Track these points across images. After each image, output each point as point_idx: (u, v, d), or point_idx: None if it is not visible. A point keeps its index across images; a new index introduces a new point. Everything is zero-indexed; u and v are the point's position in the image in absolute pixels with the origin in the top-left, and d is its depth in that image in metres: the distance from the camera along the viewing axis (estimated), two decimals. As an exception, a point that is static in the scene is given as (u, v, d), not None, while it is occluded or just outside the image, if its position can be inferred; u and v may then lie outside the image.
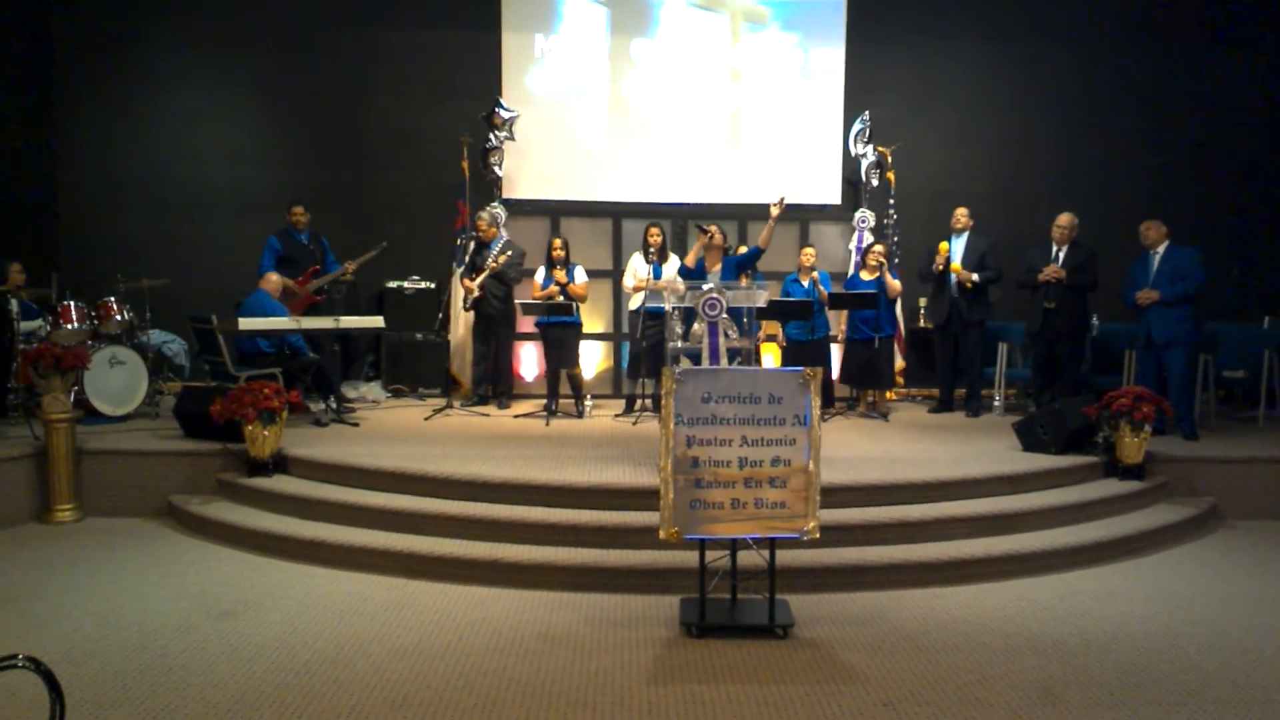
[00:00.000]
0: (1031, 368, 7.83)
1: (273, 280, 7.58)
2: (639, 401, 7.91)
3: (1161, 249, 6.94)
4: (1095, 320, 8.44)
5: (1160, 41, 9.60)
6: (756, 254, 6.76)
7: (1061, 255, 7.44)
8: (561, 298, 7.72)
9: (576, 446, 6.47)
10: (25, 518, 5.92)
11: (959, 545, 5.06)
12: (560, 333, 7.82)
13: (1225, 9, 9.61)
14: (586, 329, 8.40)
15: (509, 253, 8.04)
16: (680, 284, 5.86)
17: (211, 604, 4.45)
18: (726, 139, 9.43)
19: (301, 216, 8.15)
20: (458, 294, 8.51)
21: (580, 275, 7.96)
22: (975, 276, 7.80)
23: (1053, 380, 7.60)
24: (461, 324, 8.66)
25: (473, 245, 8.22)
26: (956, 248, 7.96)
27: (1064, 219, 7.47)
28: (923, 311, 9.38)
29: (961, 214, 8.02)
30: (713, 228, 6.73)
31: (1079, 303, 7.47)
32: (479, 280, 7.93)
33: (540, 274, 7.97)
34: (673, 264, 7.69)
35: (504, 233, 8.54)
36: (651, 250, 7.70)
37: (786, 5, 9.36)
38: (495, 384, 8.29)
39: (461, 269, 8.32)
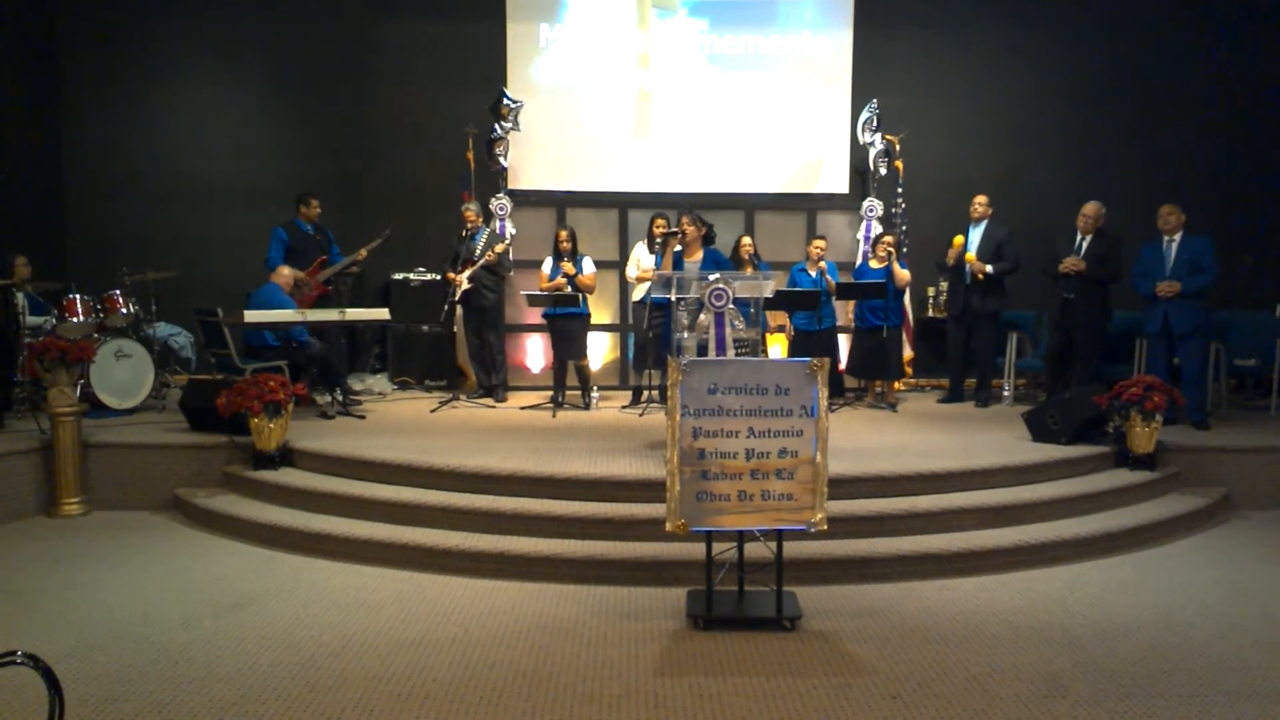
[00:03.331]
0: (1046, 357, 7.76)
1: (284, 274, 7.54)
2: (645, 393, 7.88)
3: (1178, 237, 6.84)
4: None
5: (1174, 27, 9.50)
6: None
7: (1085, 245, 7.33)
8: (569, 289, 7.67)
9: (583, 438, 6.45)
10: (32, 511, 5.93)
11: (968, 536, 5.02)
12: (568, 324, 7.78)
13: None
14: (593, 320, 8.37)
15: (506, 242, 7.96)
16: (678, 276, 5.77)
17: (217, 597, 4.45)
18: (734, 128, 9.37)
19: (316, 210, 8.10)
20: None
21: (588, 266, 7.90)
22: (989, 268, 7.72)
23: (1065, 371, 7.53)
24: (467, 316, 8.64)
25: (465, 237, 8.14)
26: (974, 237, 7.89)
27: (1089, 208, 7.35)
28: (931, 301, 9.33)
29: (980, 202, 7.93)
30: (684, 222, 6.69)
31: (1100, 294, 7.34)
32: (467, 273, 7.84)
33: (547, 265, 7.92)
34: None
35: (508, 224, 8.49)
36: (657, 241, 7.64)
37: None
38: (491, 375, 8.22)
39: (449, 263, 8.20)
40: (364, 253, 8.16)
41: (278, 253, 7.89)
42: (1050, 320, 7.56)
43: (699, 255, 6.76)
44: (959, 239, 7.87)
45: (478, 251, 7.86)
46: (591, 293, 7.95)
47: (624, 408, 7.90)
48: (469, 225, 8.05)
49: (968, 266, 7.80)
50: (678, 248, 6.69)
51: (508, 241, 8.00)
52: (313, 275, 7.94)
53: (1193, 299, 6.74)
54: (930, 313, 9.30)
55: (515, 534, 4.98)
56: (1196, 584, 4.70)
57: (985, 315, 7.89)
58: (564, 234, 7.84)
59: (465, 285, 7.81)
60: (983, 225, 7.90)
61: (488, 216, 8.53)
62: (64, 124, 9.29)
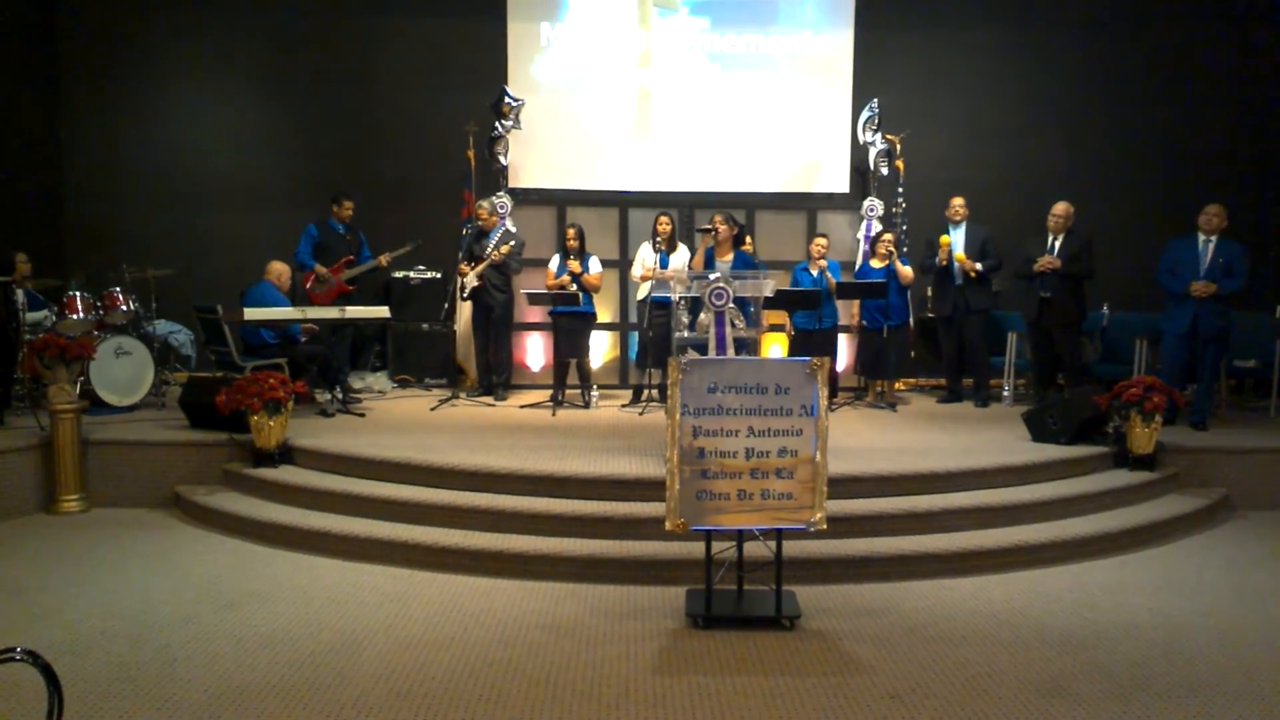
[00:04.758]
0: (1032, 358, 7.80)
1: (276, 269, 7.54)
2: (646, 392, 7.87)
3: (1215, 238, 6.78)
4: (1106, 310, 8.39)
5: (1171, 29, 9.48)
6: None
7: (1057, 245, 7.40)
8: (574, 287, 7.67)
9: (582, 437, 6.45)
10: (31, 508, 5.92)
11: (967, 536, 5.02)
12: (573, 323, 7.78)
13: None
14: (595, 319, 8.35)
15: (511, 243, 7.98)
16: (686, 274, 5.84)
17: (216, 594, 4.45)
18: (734, 127, 9.36)
19: (348, 210, 8.14)
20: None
21: (595, 265, 7.90)
22: (979, 265, 7.77)
23: (1054, 370, 7.58)
24: (467, 314, 8.63)
25: (472, 234, 8.17)
26: (956, 238, 7.93)
27: (1059, 208, 7.45)
28: (929, 301, 9.32)
29: (958, 204, 7.98)
30: (717, 220, 6.71)
31: (1075, 292, 7.43)
32: (477, 270, 7.86)
33: (554, 263, 7.92)
34: (681, 254, 7.65)
35: (508, 222, 8.50)
36: (659, 239, 7.65)
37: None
38: (494, 374, 8.22)
39: (461, 257, 8.24)
40: (384, 260, 8.19)
41: (306, 248, 7.95)
42: (1027, 321, 7.59)
43: (730, 255, 6.77)
44: (945, 238, 7.90)
45: (488, 250, 7.87)
46: (597, 292, 7.95)
47: (624, 406, 7.90)
48: (480, 223, 8.06)
49: (957, 266, 7.83)
50: (710, 245, 6.69)
51: (513, 244, 7.97)
52: (336, 273, 7.97)
53: (1222, 302, 6.71)
54: (929, 312, 9.29)
55: (514, 532, 4.98)
56: (1196, 584, 4.70)
57: (975, 314, 7.92)
58: (572, 232, 7.85)
59: (474, 282, 7.83)
60: (963, 227, 7.95)
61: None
62: (64, 121, 9.28)
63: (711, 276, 5.33)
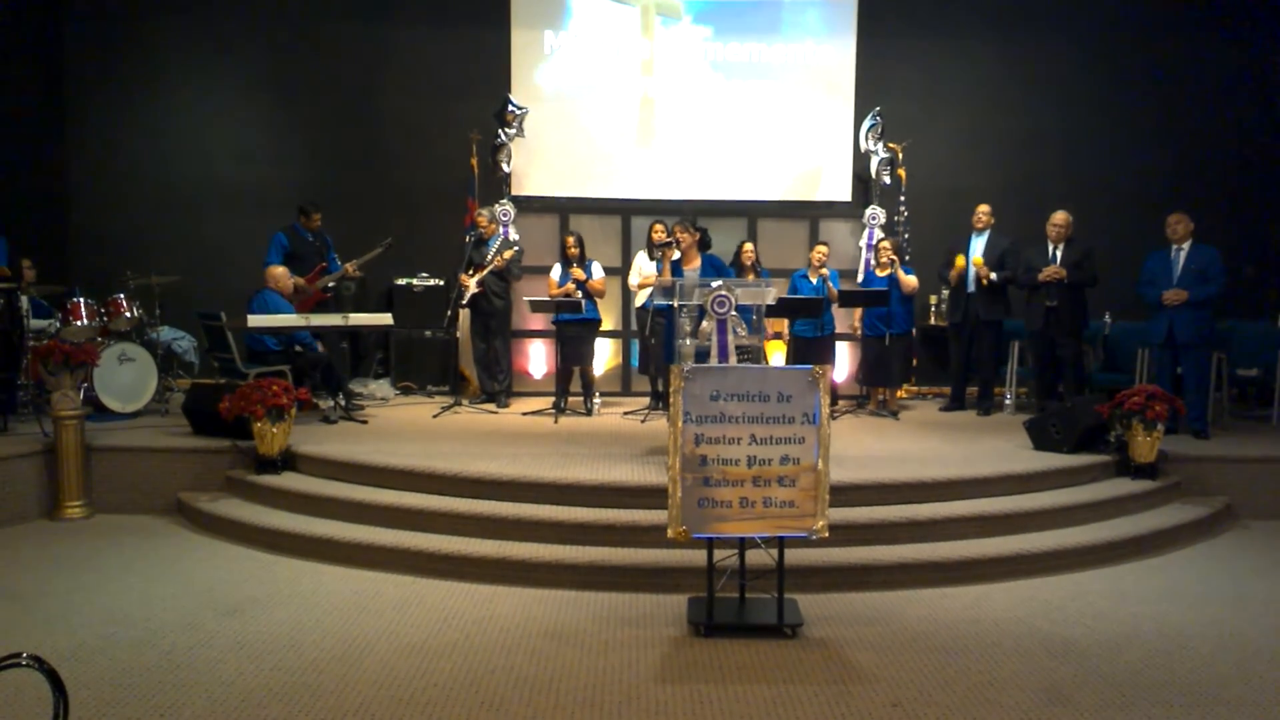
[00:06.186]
0: (1034, 366, 7.80)
1: (276, 274, 7.51)
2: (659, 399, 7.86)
3: (1186, 246, 6.84)
4: (1108, 319, 8.40)
5: (1172, 37, 9.50)
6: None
7: (1059, 253, 7.41)
8: (580, 294, 7.69)
9: (585, 444, 6.45)
10: (34, 514, 5.93)
11: (969, 544, 5.03)
12: (579, 330, 7.79)
13: (1235, 3, 9.52)
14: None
15: (514, 249, 8.00)
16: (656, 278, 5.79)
17: (219, 601, 4.46)
18: (737, 135, 9.39)
19: (316, 222, 8.13)
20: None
21: (598, 271, 7.93)
22: (994, 275, 7.76)
23: (1057, 379, 7.58)
24: (468, 320, 8.64)
25: (472, 241, 8.20)
26: (977, 245, 7.92)
27: (1059, 217, 7.46)
28: (933, 310, 9.34)
29: (983, 211, 7.97)
30: (676, 230, 6.73)
31: (1078, 300, 7.47)
32: (477, 277, 7.88)
33: (556, 271, 7.94)
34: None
35: (511, 230, 8.52)
36: (656, 248, 7.67)
37: (797, 2, 9.31)
38: (495, 381, 8.24)
39: (462, 265, 8.25)
40: (350, 268, 8.12)
41: (276, 257, 7.91)
42: (1033, 330, 7.59)
43: (697, 262, 6.77)
44: (960, 260, 7.90)
45: (489, 257, 7.89)
46: (602, 297, 7.98)
47: (626, 414, 7.90)
48: (481, 230, 8.08)
49: (973, 272, 7.83)
50: (675, 256, 6.71)
51: (514, 251, 8.00)
52: (312, 282, 7.96)
53: (1198, 309, 6.74)
54: (932, 320, 9.31)
55: (517, 539, 4.99)
56: (1198, 593, 4.70)
57: (987, 324, 7.91)
58: (571, 240, 7.88)
59: (473, 289, 7.85)
60: (985, 235, 7.93)
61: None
62: (68, 128, 9.32)
63: (714, 284, 5.33)
